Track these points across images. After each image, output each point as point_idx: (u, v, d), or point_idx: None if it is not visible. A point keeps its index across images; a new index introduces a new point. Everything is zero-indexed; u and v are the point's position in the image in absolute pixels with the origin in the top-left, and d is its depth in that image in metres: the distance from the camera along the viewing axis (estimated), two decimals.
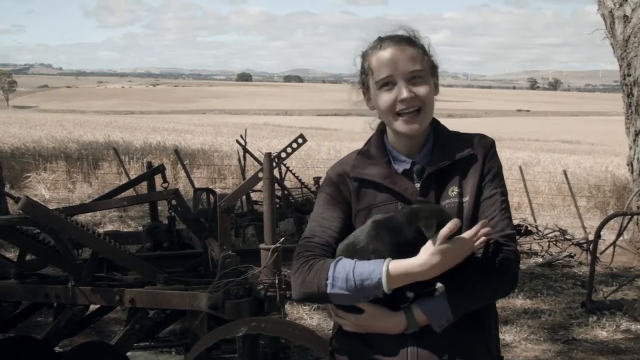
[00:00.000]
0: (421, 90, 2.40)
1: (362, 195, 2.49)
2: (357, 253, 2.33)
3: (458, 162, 2.45)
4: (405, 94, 2.37)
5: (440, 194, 2.44)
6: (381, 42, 2.45)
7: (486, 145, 2.50)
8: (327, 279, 2.30)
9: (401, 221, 2.30)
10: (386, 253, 2.28)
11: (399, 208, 2.42)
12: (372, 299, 2.32)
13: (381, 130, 2.59)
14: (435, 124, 2.57)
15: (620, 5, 9.57)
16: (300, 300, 2.53)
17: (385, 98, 2.42)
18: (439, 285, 2.33)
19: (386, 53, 2.41)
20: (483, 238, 2.24)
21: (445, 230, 2.19)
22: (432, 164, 2.45)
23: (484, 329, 2.46)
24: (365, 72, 2.50)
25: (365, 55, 2.50)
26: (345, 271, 2.28)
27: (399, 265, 2.25)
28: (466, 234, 2.24)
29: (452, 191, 2.43)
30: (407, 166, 2.49)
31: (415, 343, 2.34)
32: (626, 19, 9.48)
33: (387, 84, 2.41)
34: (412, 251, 2.26)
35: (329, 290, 2.30)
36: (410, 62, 2.39)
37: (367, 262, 2.28)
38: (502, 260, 2.37)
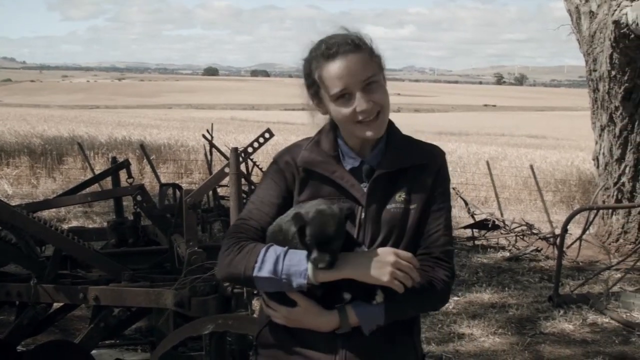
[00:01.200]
0: (377, 96, 2.35)
1: (306, 186, 2.45)
2: (280, 243, 2.30)
3: (409, 169, 2.43)
4: (364, 105, 2.32)
5: (387, 197, 2.41)
6: (328, 50, 2.36)
7: (439, 158, 2.49)
8: (255, 262, 2.26)
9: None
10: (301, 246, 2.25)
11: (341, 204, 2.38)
12: (307, 295, 2.29)
13: (334, 124, 2.52)
14: (390, 125, 2.52)
15: (586, 1, 9.63)
16: (224, 281, 2.51)
17: (343, 111, 2.36)
18: (378, 292, 2.29)
19: (336, 65, 2.34)
20: (406, 275, 2.23)
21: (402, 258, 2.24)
22: (383, 167, 2.42)
23: (410, 333, 2.49)
24: (314, 83, 2.43)
25: (311, 66, 2.42)
26: (275, 255, 2.25)
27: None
28: (405, 253, 2.27)
29: (400, 196, 2.41)
30: (356, 164, 2.45)
31: (345, 343, 2.34)
32: (592, 14, 9.53)
33: (343, 96, 2.35)
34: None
35: (255, 273, 2.26)
36: (362, 70, 2.33)
37: (299, 251, 2.25)
38: (440, 275, 2.40)
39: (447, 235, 2.45)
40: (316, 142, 2.52)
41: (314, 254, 2.20)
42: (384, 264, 2.22)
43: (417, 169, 2.43)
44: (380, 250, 2.27)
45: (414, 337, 2.51)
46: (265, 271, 2.25)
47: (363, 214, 2.41)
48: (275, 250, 2.27)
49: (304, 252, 2.24)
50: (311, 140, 2.54)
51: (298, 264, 2.23)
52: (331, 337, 2.34)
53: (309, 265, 2.21)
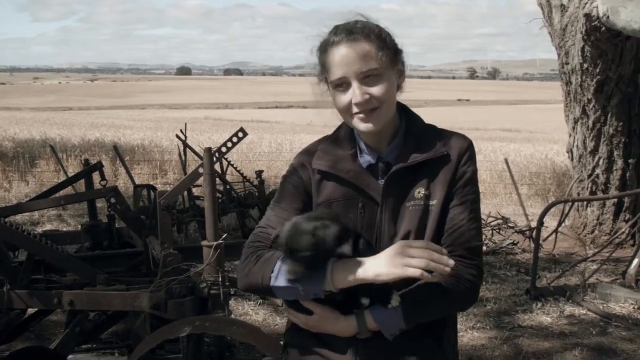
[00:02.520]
0: (376, 90, 2.27)
1: (322, 187, 2.40)
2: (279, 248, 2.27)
3: (429, 161, 2.33)
4: (359, 97, 2.26)
5: (405, 193, 2.32)
6: (334, 36, 2.31)
7: (462, 147, 2.38)
8: (272, 272, 2.24)
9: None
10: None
11: (359, 205, 2.34)
12: (327, 301, 2.26)
13: None
14: (408, 115, 2.46)
15: None
16: (245, 291, 2.46)
17: (340, 99, 2.31)
18: (394, 295, 2.24)
19: (339, 52, 2.28)
20: (425, 262, 2.09)
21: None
22: (399, 161, 2.33)
23: (439, 337, 2.39)
24: (324, 68, 2.38)
25: (321, 50, 2.37)
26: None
27: (344, 264, 2.18)
28: (414, 242, 2.18)
29: (419, 192, 2.32)
30: (373, 160, 2.38)
31: (365, 348, 2.28)
32: (563, 7, 9.57)
33: (341, 84, 2.29)
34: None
35: (272, 283, 2.23)
36: (363, 61, 2.26)
37: None
38: (463, 274, 2.30)
39: (472, 230, 2.33)
40: (332, 141, 2.47)
41: (285, 264, 2.18)
42: (393, 256, 2.11)
43: (438, 160, 2.34)
44: (389, 247, 2.17)
45: (442, 343, 2.40)
46: (281, 280, 2.21)
47: (380, 214, 2.34)
48: None
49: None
50: (327, 139, 2.49)
51: (315, 272, 2.18)
52: (352, 342, 2.29)
53: (327, 273, 2.17)
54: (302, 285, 2.19)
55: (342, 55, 2.27)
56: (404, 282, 2.22)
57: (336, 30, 2.33)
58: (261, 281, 2.27)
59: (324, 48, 2.35)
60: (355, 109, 2.29)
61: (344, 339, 2.30)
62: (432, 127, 2.47)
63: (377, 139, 2.40)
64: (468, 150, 2.39)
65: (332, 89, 2.34)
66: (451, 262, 2.12)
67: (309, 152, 2.48)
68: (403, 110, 2.47)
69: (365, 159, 2.40)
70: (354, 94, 2.27)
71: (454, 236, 2.31)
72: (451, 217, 2.33)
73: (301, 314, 2.33)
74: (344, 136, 2.46)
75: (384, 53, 2.30)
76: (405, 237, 2.30)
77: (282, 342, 2.57)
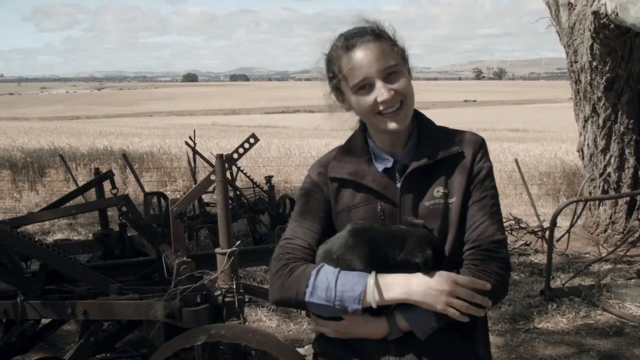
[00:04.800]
0: (399, 85, 2.29)
1: (340, 196, 2.40)
2: (333, 262, 2.24)
3: (444, 160, 2.34)
4: (385, 95, 2.26)
5: (423, 193, 2.33)
6: (347, 42, 2.31)
7: (476, 144, 2.40)
8: (307, 287, 2.22)
9: (384, 237, 2.21)
10: (359, 266, 2.19)
11: (378, 209, 2.33)
12: None
13: (363, 127, 2.48)
14: (420, 118, 2.47)
15: None
16: (277, 304, 2.45)
17: (364, 101, 2.30)
18: None
19: (356, 55, 2.28)
20: (464, 304, 2.16)
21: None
22: (415, 161, 2.34)
23: (471, 336, 2.39)
24: (335, 76, 2.37)
25: (331, 59, 2.37)
26: (327, 280, 2.20)
27: (385, 279, 2.18)
28: (464, 279, 2.19)
29: (438, 191, 2.32)
30: (389, 164, 2.38)
31: (398, 349, 2.26)
32: (570, 6, 9.53)
33: (364, 86, 2.29)
34: (387, 271, 2.19)
35: (307, 299, 2.22)
36: (382, 59, 2.27)
37: (351, 274, 2.19)
38: (492, 267, 2.29)
39: (495, 224, 2.35)
40: (345, 150, 2.47)
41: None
42: (440, 293, 2.14)
43: (453, 159, 2.35)
44: (438, 276, 2.17)
45: (475, 344, 2.41)
46: (316, 297, 2.21)
47: (400, 215, 2.34)
48: (326, 274, 2.22)
49: (357, 275, 2.18)
50: (341, 148, 2.49)
51: (352, 289, 2.17)
52: (384, 344, 2.28)
53: (369, 289, 2.15)
54: (340, 303, 2.18)
55: (360, 57, 2.28)
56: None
57: (346, 36, 2.34)
58: (295, 296, 2.25)
59: (335, 57, 2.35)
60: (381, 108, 2.29)
61: (375, 343, 2.28)
62: (444, 128, 2.48)
63: (393, 143, 2.41)
64: (482, 147, 2.41)
65: (353, 94, 2.33)
66: (489, 303, 2.20)
67: (324, 163, 2.49)
68: (415, 114, 2.47)
69: (381, 164, 2.41)
70: (380, 92, 2.27)
71: (478, 232, 2.32)
72: (472, 214, 2.34)
73: (331, 322, 2.31)
74: (357, 144, 2.47)
75: (397, 50, 2.34)
76: None
77: (313, 352, 2.54)
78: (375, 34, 2.31)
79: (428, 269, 2.17)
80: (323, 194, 2.43)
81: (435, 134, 2.42)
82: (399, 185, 2.35)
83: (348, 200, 2.39)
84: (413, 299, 2.16)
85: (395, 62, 2.30)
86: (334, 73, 2.37)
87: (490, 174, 2.40)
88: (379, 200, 2.36)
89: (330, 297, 2.18)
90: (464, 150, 2.37)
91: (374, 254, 2.20)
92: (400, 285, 2.17)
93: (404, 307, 2.24)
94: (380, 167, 2.40)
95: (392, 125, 2.31)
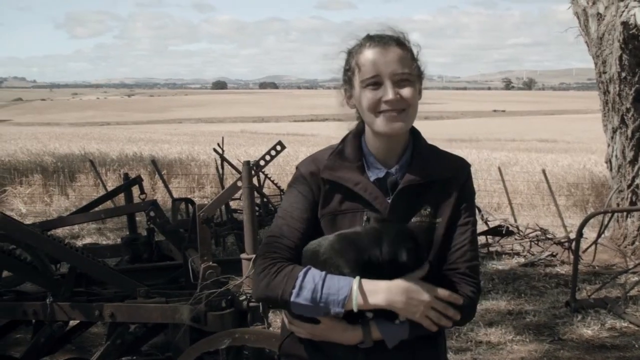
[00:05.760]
0: (407, 92, 2.33)
1: (329, 198, 2.42)
2: (320, 264, 2.28)
3: (435, 182, 2.40)
4: (390, 95, 2.30)
5: (411, 210, 2.39)
6: (370, 40, 2.38)
7: (465, 170, 2.48)
8: (293, 287, 2.25)
9: (366, 240, 2.26)
10: (346, 270, 2.24)
11: (364, 217, 2.37)
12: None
13: (359, 132, 2.50)
14: (416, 135, 2.51)
15: (594, 3, 9.60)
16: (259, 301, 2.50)
17: (369, 96, 2.34)
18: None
19: (375, 52, 2.34)
20: (440, 316, 2.27)
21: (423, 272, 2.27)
22: (408, 179, 2.39)
23: (435, 345, 2.47)
24: (350, 69, 2.41)
25: (351, 53, 2.42)
26: (314, 282, 2.23)
27: (368, 285, 2.22)
28: (443, 293, 2.27)
29: (425, 210, 2.39)
30: (381, 175, 2.42)
31: (367, 357, 2.33)
32: (600, 16, 9.50)
33: (374, 83, 2.33)
34: (375, 272, 2.24)
35: (292, 299, 2.25)
36: (398, 64, 2.32)
37: (337, 278, 2.23)
38: (466, 291, 2.38)
39: (473, 250, 2.43)
40: (339, 152, 2.49)
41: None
42: (419, 303, 2.23)
43: (443, 182, 2.41)
44: (420, 286, 2.25)
45: (438, 349, 2.49)
46: (302, 298, 2.24)
47: None
48: (313, 276, 2.25)
49: (343, 279, 2.23)
50: (334, 149, 2.52)
51: (337, 293, 2.21)
52: (354, 350, 2.33)
53: (353, 294, 2.20)
54: (324, 305, 2.23)
55: (378, 56, 2.33)
56: None
57: (370, 36, 2.40)
58: (281, 295, 2.28)
59: (356, 51, 2.40)
60: (384, 107, 2.33)
61: (345, 349, 2.34)
62: (436, 149, 2.53)
63: (387, 154, 2.45)
64: (469, 174, 2.50)
65: (361, 88, 2.37)
66: (458, 316, 2.31)
67: (317, 161, 2.51)
68: (411, 131, 2.51)
69: (373, 173, 2.44)
70: (386, 91, 2.32)
71: (457, 254, 2.40)
72: (455, 236, 2.42)
73: (307, 324, 2.34)
74: (351, 149, 2.49)
75: (415, 64, 2.40)
76: None
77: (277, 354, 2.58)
78: (399, 42, 2.37)
79: (414, 263, 2.26)
80: (312, 193, 2.45)
81: (429, 154, 2.48)
82: (389, 199, 2.40)
83: (336, 205, 2.42)
84: (394, 307, 2.23)
85: (409, 72, 2.35)
86: (350, 65, 2.42)
87: (473, 201, 2.49)
88: (366, 209, 2.39)
89: (315, 298, 2.22)
90: (454, 175, 2.44)
91: (360, 258, 2.25)
92: (383, 291, 2.22)
93: (380, 319, 2.30)
94: (372, 176, 2.43)
95: (388, 127, 2.35)
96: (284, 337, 2.54)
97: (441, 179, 2.41)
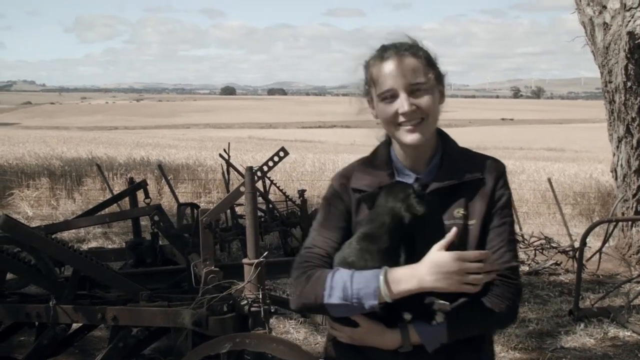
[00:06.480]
0: (423, 101, 2.34)
1: (361, 207, 2.44)
2: (348, 265, 2.30)
3: (465, 182, 2.39)
4: (406, 107, 2.31)
5: (442, 213, 2.37)
6: (383, 52, 2.39)
7: (498, 171, 2.44)
8: (324, 289, 2.28)
9: (376, 225, 2.28)
10: (376, 263, 2.25)
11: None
12: (370, 315, 2.29)
13: (388, 140, 2.53)
14: (444, 138, 2.51)
15: (600, 12, 9.61)
16: (299, 311, 2.51)
17: (386, 110, 2.36)
18: (438, 312, 2.28)
19: (388, 65, 2.35)
20: (478, 277, 2.19)
21: (448, 238, 2.21)
22: (437, 181, 2.39)
23: (478, 350, 2.45)
24: (367, 82, 2.44)
25: (367, 66, 2.44)
26: (342, 281, 2.25)
27: (396, 271, 2.22)
28: (470, 254, 2.21)
29: (458, 212, 2.36)
30: (410, 181, 2.41)
31: None
32: (606, 26, 9.51)
33: (389, 96, 2.35)
34: (406, 250, 2.26)
35: (326, 301, 2.27)
36: (412, 74, 2.33)
37: (365, 272, 2.24)
38: (505, 293, 2.35)
39: (511, 251, 2.39)
40: (369, 162, 2.52)
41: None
42: (450, 274, 2.17)
43: (475, 183, 2.40)
44: (443, 258, 2.19)
45: (481, 354, 2.47)
46: (335, 298, 2.26)
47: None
48: (341, 275, 2.27)
49: (370, 272, 2.23)
50: (365, 160, 2.55)
51: (367, 286, 2.22)
52: (394, 355, 2.34)
53: (381, 285, 2.20)
54: (358, 300, 2.23)
55: (392, 68, 2.34)
56: (446, 296, 2.27)
57: (385, 47, 2.41)
58: (314, 300, 2.31)
59: (372, 63, 2.42)
60: (401, 119, 2.34)
61: (385, 353, 2.34)
62: (467, 150, 2.52)
63: (415, 160, 2.45)
64: (503, 174, 2.46)
65: (379, 102, 2.39)
66: (494, 268, 2.26)
67: (347, 173, 2.53)
68: (440, 134, 2.52)
69: (403, 179, 2.45)
70: (401, 104, 2.32)
71: (494, 257, 2.35)
72: (490, 239, 2.38)
73: (347, 327, 2.36)
74: (380, 158, 2.51)
75: (431, 71, 2.39)
76: None
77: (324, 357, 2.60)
78: (412, 50, 2.37)
79: (425, 200, 2.25)
80: (344, 203, 2.48)
81: (459, 156, 2.47)
82: None
83: (367, 213, 2.42)
84: (426, 287, 2.20)
85: (424, 81, 2.34)
86: (367, 79, 2.45)
87: (509, 202, 2.45)
88: None
89: (347, 296, 2.23)
90: (485, 176, 2.41)
91: (382, 246, 2.26)
92: (411, 276, 2.20)
93: (418, 322, 2.30)
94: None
95: (409, 138, 2.36)
96: (327, 340, 2.58)
97: (472, 180, 2.39)
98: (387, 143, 2.53)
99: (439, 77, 2.44)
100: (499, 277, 2.34)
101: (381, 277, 2.20)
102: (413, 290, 2.21)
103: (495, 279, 2.33)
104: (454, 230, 2.24)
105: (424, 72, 2.35)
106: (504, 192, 2.43)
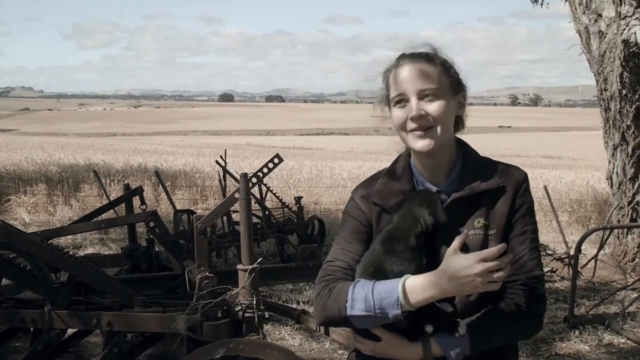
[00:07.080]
0: (433, 107, 2.32)
1: (382, 220, 2.44)
2: (371, 274, 2.30)
3: (486, 192, 2.37)
4: (414, 111, 2.31)
5: (463, 223, 2.35)
6: (401, 58, 2.40)
7: (518, 178, 2.42)
8: (346, 302, 2.27)
9: (403, 226, 2.29)
10: (403, 263, 2.25)
11: None
12: (393, 328, 2.29)
13: (408, 152, 2.51)
14: (465, 148, 2.51)
15: (595, 21, 9.64)
16: (324, 324, 2.50)
17: (397, 115, 2.37)
18: (461, 324, 2.29)
19: (402, 71, 2.36)
20: (501, 274, 2.11)
21: (460, 240, 2.18)
22: (457, 191, 2.37)
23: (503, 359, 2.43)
24: (384, 89, 2.46)
25: (386, 72, 2.45)
26: (364, 292, 2.24)
27: (415, 280, 2.20)
28: (490, 251, 2.14)
29: (478, 222, 2.35)
30: None
31: None
32: (601, 34, 9.54)
33: (400, 101, 2.36)
34: (421, 258, 2.26)
35: (348, 313, 2.27)
36: (423, 80, 2.32)
37: (386, 281, 2.23)
38: (529, 302, 2.32)
39: (535, 259, 2.36)
40: (390, 175, 2.51)
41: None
42: (472, 277, 2.10)
43: (495, 192, 2.37)
44: (463, 262, 2.12)
45: None
46: (357, 309, 2.25)
47: (439, 243, 2.33)
48: (362, 286, 2.26)
49: (391, 281, 2.22)
50: (385, 173, 2.54)
51: (389, 296, 2.20)
52: None
53: (400, 294, 2.19)
54: (381, 311, 2.21)
55: (405, 73, 2.35)
56: (468, 309, 2.30)
57: (403, 55, 2.41)
58: (338, 312, 2.30)
59: (390, 69, 2.43)
60: (410, 125, 2.34)
61: None
62: (488, 160, 2.51)
63: (433, 171, 2.44)
64: (524, 182, 2.43)
65: (393, 107, 2.40)
66: (509, 258, 2.16)
67: (368, 185, 2.54)
68: (460, 145, 2.51)
69: None
70: (410, 108, 2.32)
71: (517, 266, 2.33)
72: (512, 247, 2.35)
73: (369, 341, 2.36)
74: (401, 170, 2.50)
75: (446, 78, 2.37)
76: None
77: None
78: (428, 57, 2.37)
79: (443, 215, 2.25)
80: (365, 216, 2.48)
81: (479, 166, 2.45)
82: None
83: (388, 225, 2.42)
84: (450, 293, 2.18)
85: (436, 87, 2.33)
86: (384, 86, 2.46)
87: (531, 209, 2.42)
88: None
89: (370, 306, 2.22)
90: (506, 184, 2.39)
91: (410, 247, 2.26)
92: (431, 284, 2.17)
93: (440, 334, 2.29)
94: None
95: (418, 144, 2.34)
96: (351, 351, 2.59)
97: (492, 189, 2.37)
98: (407, 155, 2.52)
99: (457, 86, 2.42)
100: (522, 286, 2.32)
101: (399, 287, 2.19)
102: (434, 298, 2.19)
103: (519, 288, 2.32)
104: (464, 232, 2.24)
105: (437, 79, 2.34)
106: (525, 199, 2.41)
